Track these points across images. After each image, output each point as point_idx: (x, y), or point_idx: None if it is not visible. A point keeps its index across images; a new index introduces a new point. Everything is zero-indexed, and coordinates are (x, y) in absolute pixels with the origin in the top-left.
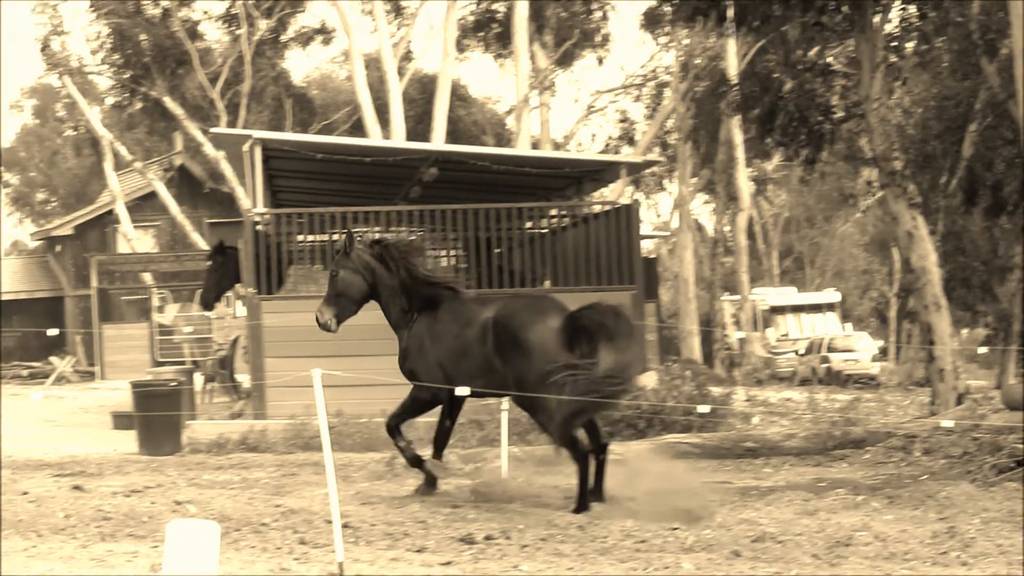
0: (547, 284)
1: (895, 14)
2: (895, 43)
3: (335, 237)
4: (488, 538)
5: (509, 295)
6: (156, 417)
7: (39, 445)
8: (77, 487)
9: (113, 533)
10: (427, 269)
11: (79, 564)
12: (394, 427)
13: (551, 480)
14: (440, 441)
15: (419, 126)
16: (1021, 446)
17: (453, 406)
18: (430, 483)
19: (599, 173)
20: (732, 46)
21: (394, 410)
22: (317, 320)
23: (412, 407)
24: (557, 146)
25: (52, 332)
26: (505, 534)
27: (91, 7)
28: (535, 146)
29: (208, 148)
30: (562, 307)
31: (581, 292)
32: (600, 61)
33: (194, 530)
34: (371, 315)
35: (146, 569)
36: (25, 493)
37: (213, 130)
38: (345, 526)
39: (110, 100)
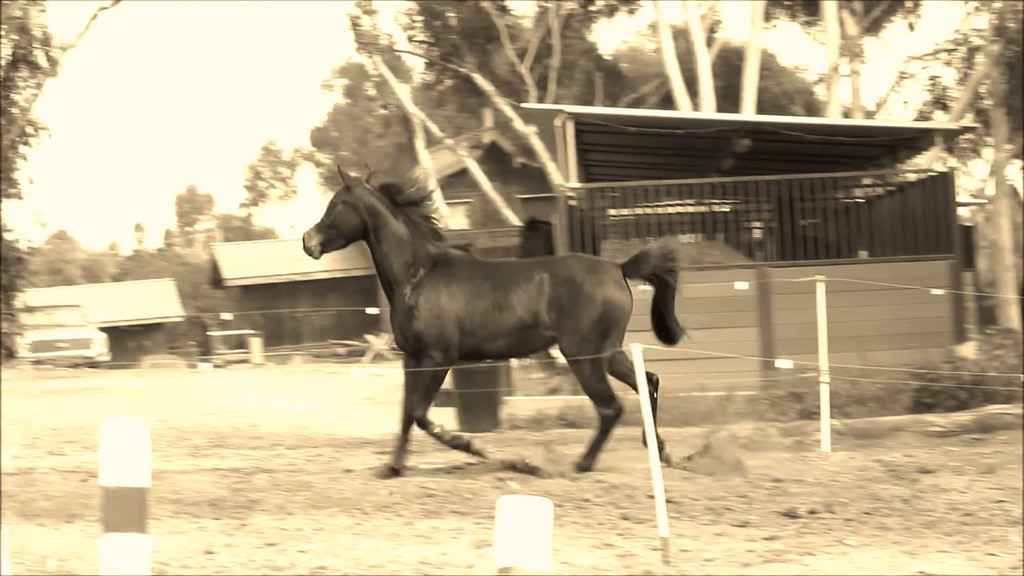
0: (862, 254)
1: None
2: None
3: (649, 210)
4: (812, 512)
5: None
6: (474, 394)
7: (360, 423)
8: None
9: (437, 510)
10: (436, 223)
11: (404, 541)
12: (422, 417)
13: (873, 453)
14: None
15: (725, 98)
16: None
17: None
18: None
19: (913, 141)
20: None
21: (414, 397)
22: (304, 243)
23: (433, 382)
24: (868, 114)
25: (372, 311)
26: (829, 508)
27: None
28: (846, 115)
29: (518, 123)
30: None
31: (897, 262)
32: (911, 27)
33: (526, 506)
34: (692, 288)
35: (471, 546)
36: (349, 471)
37: (525, 105)
38: (668, 501)
39: (419, 78)
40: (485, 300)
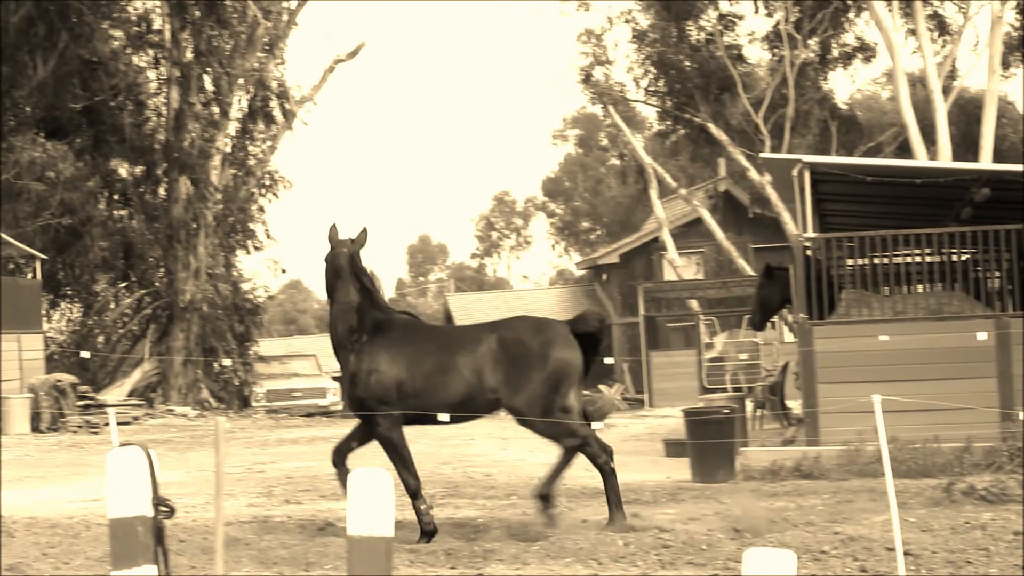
0: None
1: None
2: None
3: (887, 260)
4: None
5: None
6: (709, 444)
7: (594, 473)
8: (635, 515)
9: (673, 561)
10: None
11: None
12: (415, 489)
13: None
14: (341, 453)
15: (961, 146)
16: None
17: (369, 428)
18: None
19: None
20: None
21: (398, 470)
22: None
23: (399, 448)
24: None
25: (608, 360)
26: None
27: (634, 36)
28: None
29: (752, 173)
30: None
31: None
32: None
33: (771, 559)
34: (930, 338)
35: None
36: (584, 521)
37: (762, 155)
38: (907, 553)
39: (652, 127)
40: (428, 363)
